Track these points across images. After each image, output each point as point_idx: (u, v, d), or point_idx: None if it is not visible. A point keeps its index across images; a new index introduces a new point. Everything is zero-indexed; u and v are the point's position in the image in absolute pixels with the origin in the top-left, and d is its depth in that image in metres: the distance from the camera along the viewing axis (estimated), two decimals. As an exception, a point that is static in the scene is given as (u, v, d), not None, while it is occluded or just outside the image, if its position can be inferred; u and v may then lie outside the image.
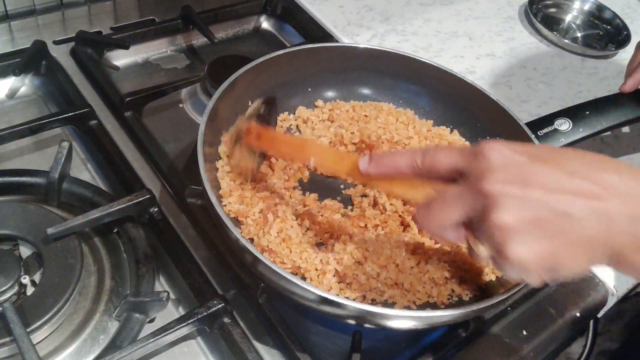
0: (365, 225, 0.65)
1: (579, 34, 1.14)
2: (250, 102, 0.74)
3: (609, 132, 0.84)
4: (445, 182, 0.47)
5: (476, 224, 0.44)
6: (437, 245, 0.64)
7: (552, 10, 1.17)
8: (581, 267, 0.43)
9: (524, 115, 0.85)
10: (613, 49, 1.08)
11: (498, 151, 0.43)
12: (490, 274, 0.63)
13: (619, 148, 0.91)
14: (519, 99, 0.95)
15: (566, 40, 1.06)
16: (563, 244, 0.41)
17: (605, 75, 1.02)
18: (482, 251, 0.45)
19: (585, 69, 1.04)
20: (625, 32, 1.10)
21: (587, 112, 0.77)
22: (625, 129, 0.93)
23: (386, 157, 0.51)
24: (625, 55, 1.06)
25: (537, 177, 0.41)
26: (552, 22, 1.15)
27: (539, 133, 0.73)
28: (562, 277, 0.43)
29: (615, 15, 1.13)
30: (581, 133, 0.75)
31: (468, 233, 0.46)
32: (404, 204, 0.67)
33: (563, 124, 0.75)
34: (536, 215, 0.41)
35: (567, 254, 0.41)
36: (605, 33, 1.13)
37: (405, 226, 0.66)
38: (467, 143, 0.77)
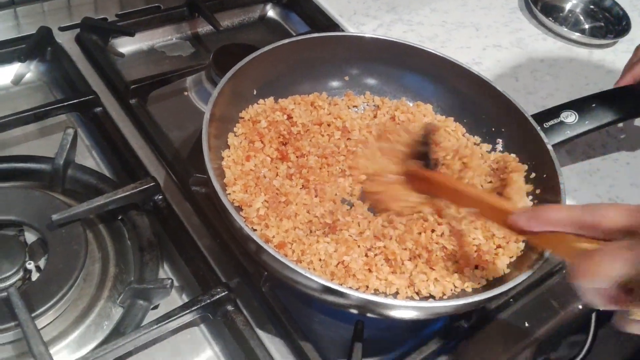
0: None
1: (586, 26, 1.13)
2: (254, 91, 0.73)
3: (615, 125, 0.84)
4: (606, 240, 0.44)
5: None
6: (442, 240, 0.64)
7: None
8: None
9: (530, 107, 0.84)
10: (612, 37, 1.07)
11: None
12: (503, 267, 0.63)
13: (625, 141, 0.90)
14: (525, 90, 0.95)
15: (565, 29, 1.05)
16: None
17: (612, 68, 1.02)
18: None
19: (592, 61, 1.03)
20: (624, 22, 1.09)
21: (594, 105, 0.77)
22: (632, 122, 0.92)
23: (545, 212, 0.49)
24: (626, 45, 1.05)
25: None
26: (552, 10, 1.13)
27: (544, 125, 0.72)
28: None
29: (615, 3, 1.12)
30: (587, 126, 0.75)
31: (627, 297, 0.41)
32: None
33: (569, 117, 0.75)
34: None
35: None
36: (605, 22, 1.12)
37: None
38: (469, 137, 0.76)
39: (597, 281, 0.41)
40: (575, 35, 1.05)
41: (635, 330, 0.43)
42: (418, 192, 0.65)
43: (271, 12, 1.02)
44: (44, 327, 0.56)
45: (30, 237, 0.61)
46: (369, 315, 0.56)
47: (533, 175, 0.70)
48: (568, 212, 0.47)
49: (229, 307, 0.59)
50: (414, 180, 0.65)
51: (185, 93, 0.83)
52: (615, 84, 0.81)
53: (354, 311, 0.56)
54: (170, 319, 0.56)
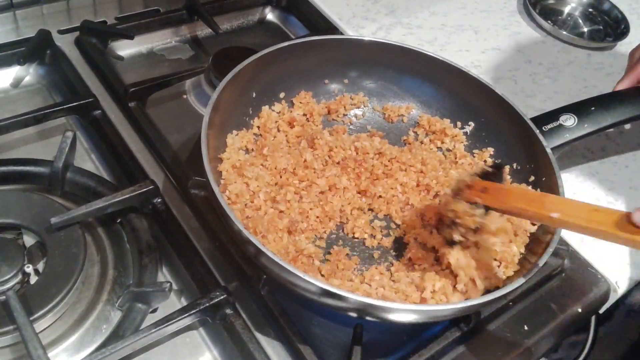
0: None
1: (585, 29, 1.13)
2: (254, 94, 0.73)
3: (613, 128, 0.84)
4: None
5: None
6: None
7: (551, 1, 1.16)
8: None
9: (529, 110, 0.85)
10: (611, 40, 1.07)
11: None
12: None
13: (623, 144, 0.90)
14: (524, 93, 0.95)
15: (564, 32, 1.05)
16: None
17: (611, 71, 1.02)
18: None
19: (591, 64, 1.03)
20: (623, 25, 1.09)
21: (593, 108, 0.77)
22: (629, 125, 0.93)
23: None
24: (625, 48, 1.06)
25: None
26: (551, 14, 1.14)
27: (543, 128, 0.72)
28: None
29: (614, 6, 1.12)
30: (586, 129, 0.75)
31: None
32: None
33: (568, 120, 0.75)
34: None
35: None
36: (604, 25, 1.12)
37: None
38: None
39: None
40: (574, 39, 1.05)
41: None
42: (478, 202, 0.59)
43: (270, 16, 1.02)
44: (43, 330, 0.56)
45: (29, 240, 0.60)
46: (367, 318, 0.56)
47: (532, 178, 0.70)
48: None
49: (228, 311, 0.59)
50: (474, 192, 0.59)
51: (185, 96, 0.84)
52: (615, 87, 0.81)
53: (353, 314, 0.56)
54: (169, 323, 0.56)
